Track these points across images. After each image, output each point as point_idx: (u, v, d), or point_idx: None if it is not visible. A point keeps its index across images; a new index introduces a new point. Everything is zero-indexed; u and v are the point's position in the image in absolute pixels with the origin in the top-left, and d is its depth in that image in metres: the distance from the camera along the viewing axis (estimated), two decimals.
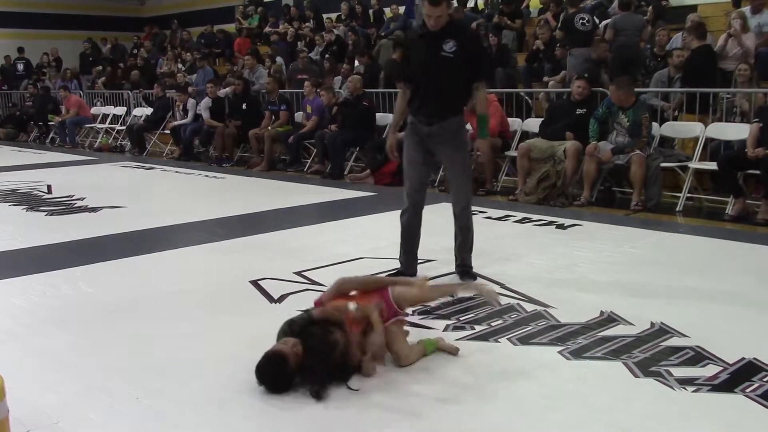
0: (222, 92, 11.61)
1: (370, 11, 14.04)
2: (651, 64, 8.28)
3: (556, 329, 3.51)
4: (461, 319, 3.67)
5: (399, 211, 4.43)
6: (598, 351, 3.23)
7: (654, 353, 3.18)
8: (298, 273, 4.59)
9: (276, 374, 2.82)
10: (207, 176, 9.61)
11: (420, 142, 4.23)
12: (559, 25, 9.50)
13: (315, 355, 2.80)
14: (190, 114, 11.73)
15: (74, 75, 16.75)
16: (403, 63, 4.36)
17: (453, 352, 3.21)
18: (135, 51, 18.09)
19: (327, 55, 12.19)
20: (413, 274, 4.35)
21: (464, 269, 4.43)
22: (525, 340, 3.38)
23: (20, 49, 18.22)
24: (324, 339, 2.83)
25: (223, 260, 5.08)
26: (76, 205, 7.42)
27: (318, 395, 2.75)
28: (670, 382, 2.89)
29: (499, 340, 3.40)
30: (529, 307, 3.85)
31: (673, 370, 3.00)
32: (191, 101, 11.78)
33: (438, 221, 6.37)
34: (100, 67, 16.56)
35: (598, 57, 8.40)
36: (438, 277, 4.40)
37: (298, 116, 10.49)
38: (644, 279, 4.38)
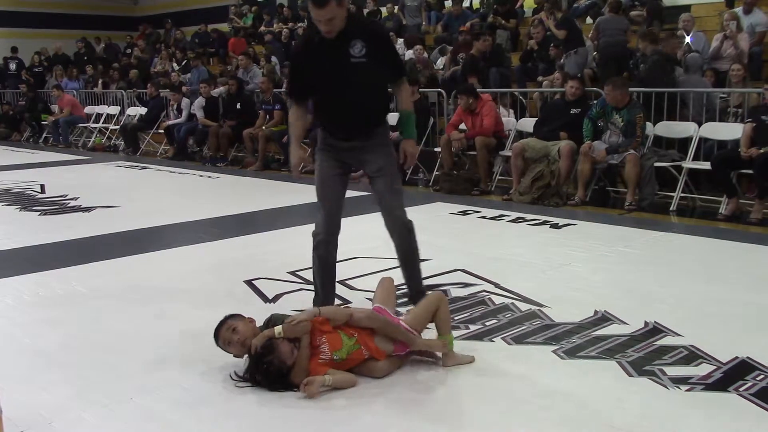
0: (216, 92, 11.59)
1: (365, 11, 14.02)
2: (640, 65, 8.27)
3: (551, 328, 3.52)
4: (456, 318, 3.67)
5: None
6: (592, 350, 3.24)
7: (648, 352, 3.19)
8: (293, 272, 4.59)
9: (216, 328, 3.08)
10: (201, 176, 9.60)
11: (337, 156, 3.59)
12: (559, 25, 9.47)
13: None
14: (184, 113, 11.70)
15: (75, 74, 16.68)
16: (294, 75, 3.63)
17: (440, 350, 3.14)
18: (128, 50, 18.04)
19: None
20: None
21: (419, 294, 3.67)
22: (519, 340, 3.39)
23: (14, 49, 18.16)
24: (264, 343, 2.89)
25: (217, 260, 5.07)
26: (69, 205, 7.40)
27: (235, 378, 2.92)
28: (664, 381, 2.89)
29: (493, 339, 3.41)
30: (524, 307, 3.85)
31: (666, 369, 3.01)
32: (185, 101, 11.75)
33: (433, 221, 6.40)
34: (90, 66, 16.50)
35: (671, 52, 8.01)
36: (434, 276, 4.40)
37: None
38: (638, 278, 4.39)
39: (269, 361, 2.82)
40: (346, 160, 3.61)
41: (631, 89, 7.19)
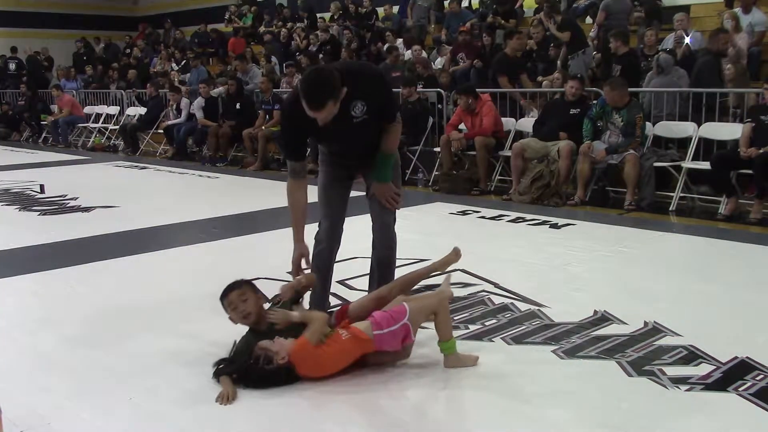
0: (215, 92, 11.58)
1: (363, 11, 14.00)
2: (642, 64, 8.28)
3: (550, 328, 3.52)
4: (455, 318, 3.67)
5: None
6: (592, 350, 3.24)
7: (647, 352, 3.19)
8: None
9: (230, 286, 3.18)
10: (201, 176, 9.60)
11: (342, 164, 3.61)
12: (562, 27, 9.43)
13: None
14: (184, 113, 11.71)
15: (72, 74, 16.67)
16: (289, 137, 3.44)
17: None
18: (128, 50, 18.04)
19: (321, 55, 12.19)
20: (326, 309, 3.72)
21: None
22: (519, 340, 3.39)
23: (13, 49, 18.17)
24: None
25: (217, 260, 5.07)
26: (68, 205, 7.40)
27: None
28: (664, 381, 2.89)
29: (493, 339, 3.41)
30: (523, 307, 3.85)
31: (666, 369, 3.01)
32: (185, 101, 11.76)
33: (433, 221, 6.40)
34: (90, 66, 16.50)
35: (718, 50, 7.69)
36: (434, 276, 4.38)
37: None
38: (637, 278, 4.40)
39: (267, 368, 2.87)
40: (351, 170, 3.63)
41: (675, 89, 7.24)
